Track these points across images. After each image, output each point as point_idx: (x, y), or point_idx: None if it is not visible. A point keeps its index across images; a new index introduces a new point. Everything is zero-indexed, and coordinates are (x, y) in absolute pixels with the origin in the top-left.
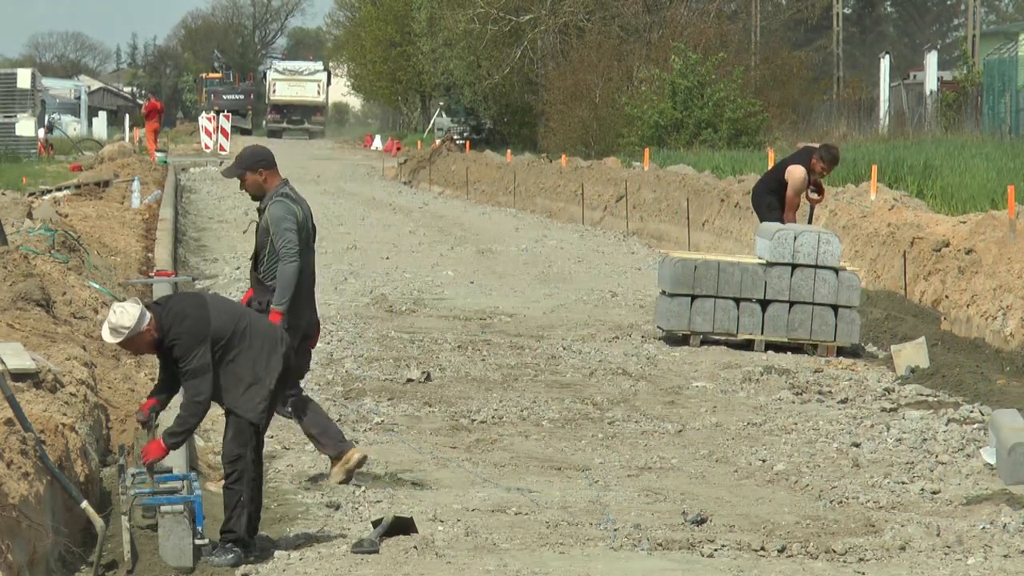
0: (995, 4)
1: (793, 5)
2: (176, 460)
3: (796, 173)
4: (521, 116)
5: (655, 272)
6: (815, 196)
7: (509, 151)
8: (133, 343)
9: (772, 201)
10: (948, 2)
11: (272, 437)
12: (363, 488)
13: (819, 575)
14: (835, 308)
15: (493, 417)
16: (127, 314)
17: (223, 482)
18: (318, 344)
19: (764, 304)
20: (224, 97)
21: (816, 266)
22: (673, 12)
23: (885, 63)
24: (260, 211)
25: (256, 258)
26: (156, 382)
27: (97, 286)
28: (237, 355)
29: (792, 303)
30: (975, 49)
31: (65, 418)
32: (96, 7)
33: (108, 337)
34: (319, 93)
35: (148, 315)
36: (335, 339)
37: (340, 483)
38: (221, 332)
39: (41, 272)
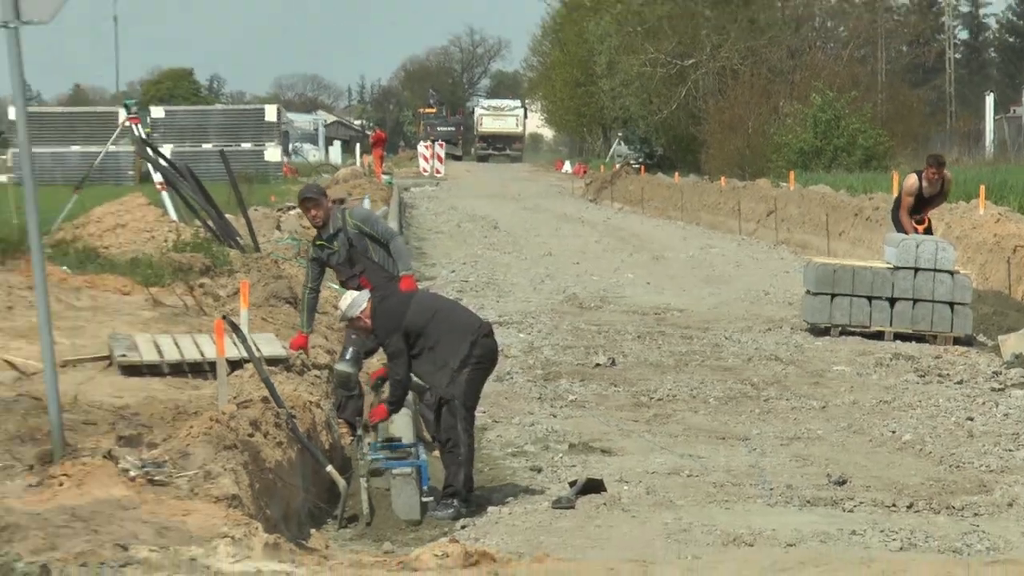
0: None
1: (912, 51)
2: (404, 431)
3: (908, 179)
4: (687, 144)
5: (801, 275)
6: (919, 224)
7: (677, 173)
8: (353, 325)
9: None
10: None
11: (484, 412)
12: (560, 455)
13: (940, 527)
14: (951, 305)
15: (668, 395)
16: (344, 302)
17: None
18: (520, 335)
19: (892, 301)
20: (438, 128)
21: (935, 270)
22: (812, 57)
23: (990, 100)
24: (330, 238)
25: (348, 275)
26: None
27: (336, 286)
28: (436, 344)
29: (915, 300)
30: None
31: (311, 396)
32: (331, 53)
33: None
34: (518, 125)
35: (363, 305)
36: (535, 331)
37: None
38: (415, 325)
39: (288, 275)
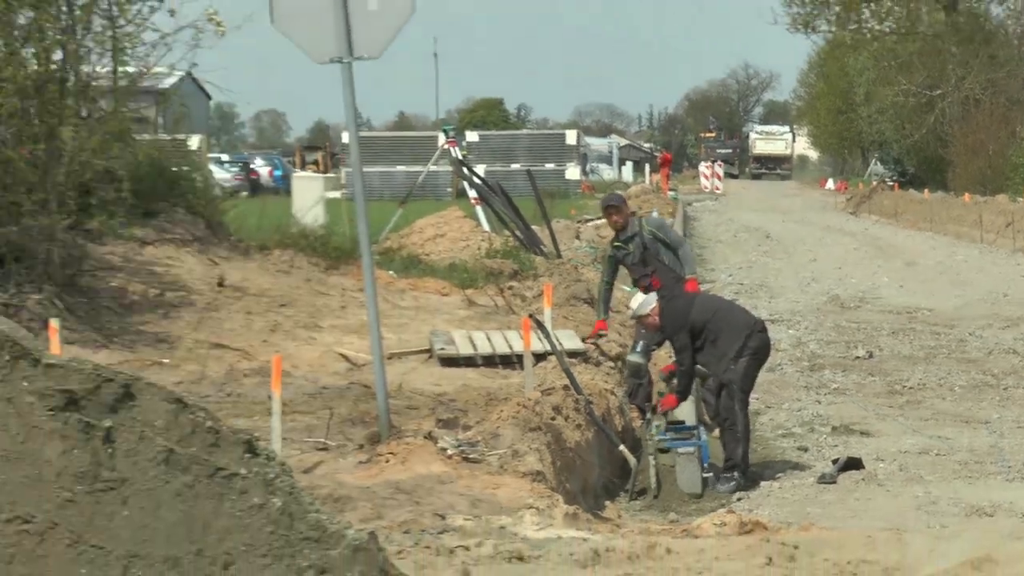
0: None
1: None
2: (687, 415)
3: None
4: (935, 164)
5: None
6: None
7: (926, 190)
8: (642, 322)
9: None
10: None
11: (757, 399)
12: (824, 436)
13: None
14: None
15: (918, 384)
16: (635, 301)
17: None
18: (789, 331)
19: None
20: (717, 151)
21: None
22: None
23: None
24: (627, 240)
25: (640, 274)
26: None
27: (626, 288)
28: (716, 338)
29: None
30: None
31: (606, 384)
32: (624, 85)
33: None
34: (787, 147)
35: (652, 304)
36: (802, 327)
37: None
38: (698, 322)
39: (586, 279)
